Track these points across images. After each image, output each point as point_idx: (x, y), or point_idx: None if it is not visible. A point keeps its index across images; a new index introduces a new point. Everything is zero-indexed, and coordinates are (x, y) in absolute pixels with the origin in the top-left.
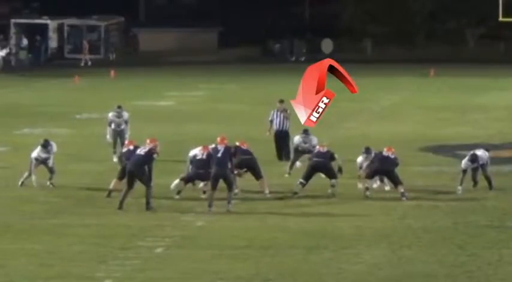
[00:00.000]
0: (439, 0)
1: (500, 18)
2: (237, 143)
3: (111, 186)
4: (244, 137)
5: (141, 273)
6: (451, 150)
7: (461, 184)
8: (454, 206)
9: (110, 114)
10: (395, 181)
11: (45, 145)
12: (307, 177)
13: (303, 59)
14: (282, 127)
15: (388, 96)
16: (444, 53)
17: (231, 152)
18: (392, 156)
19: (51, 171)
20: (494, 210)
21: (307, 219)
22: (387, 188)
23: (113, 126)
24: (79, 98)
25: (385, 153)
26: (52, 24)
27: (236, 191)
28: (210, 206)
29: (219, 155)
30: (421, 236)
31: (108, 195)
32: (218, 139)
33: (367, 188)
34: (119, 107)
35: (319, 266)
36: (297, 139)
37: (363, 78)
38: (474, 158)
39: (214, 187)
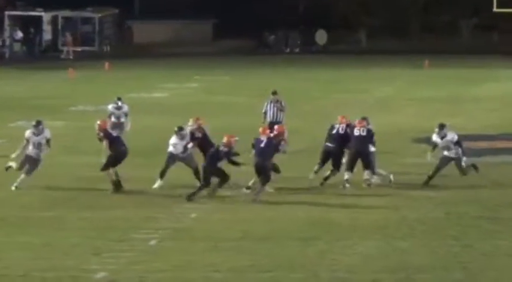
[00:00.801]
0: None
1: (495, 9)
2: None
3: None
4: (240, 128)
5: (136, 266)
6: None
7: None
8: (448, 197)
9: (110, 106)
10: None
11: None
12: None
13: (297, 50)
14: (276, 118)
15: (383, 88)
16: (438, 44)
17: (274, 143)
18: (364, 133)
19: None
20: (489, 201)
21: (302, 210)
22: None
23: (113, 118)
24: (73, 90)
25: (356, 131)
26: (46, 16)
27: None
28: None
29: (262, 145)
30: (415, 227)
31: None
32: (260, 130)
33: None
34: (119, 98)
35: (313, 258)
36: None
37: (358, 70)
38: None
39: (258, 175)
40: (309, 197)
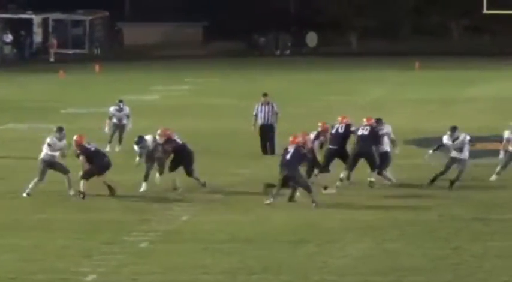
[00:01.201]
0: None
1: (485, 11)
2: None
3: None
4: (230, 130)
5: (126, 268)
6: (436, 143)
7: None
8: (439, 199)
9: (111, 108)
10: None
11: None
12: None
13: (288, 52)
14: (267, 121)
15: (374, 89)
16: (429, 46)
17: (301, 152)
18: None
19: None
20: (479, 203)
21: (292, 212)
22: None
23: (114, 120)
24: (64, 93)
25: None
26: (37, 19)
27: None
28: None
29: (288, 156)
30: (406, 229)
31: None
32: (290, 138)
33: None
34: (120, 101)
35: (304, 260)
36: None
37: (348, 72)
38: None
39: (283, 186)
40: (299, 199)
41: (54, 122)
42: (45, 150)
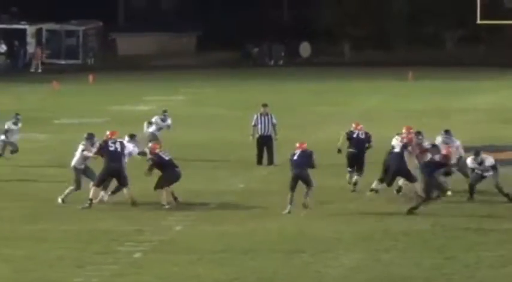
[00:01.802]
0: (417, 3)
1: (478, 21)
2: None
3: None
4: (224, 140)
5: (120, 278)
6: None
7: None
8: (432, 209)
9: (155, 118)
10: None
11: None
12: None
13: (281, 62)
14: (266, 131)
15: (367, 100)
16: (423, 56)
17: (308, 153)
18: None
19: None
20: (473, 213)
21: (286, 223)
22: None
23: (153, 128)
24: (57, 103)
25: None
26: (30, 29)
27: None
28: (290, 203)
29: (295, 157)
30: (400, 239)
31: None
32: (297, 145)
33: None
34: (165, 111)
35: (298, 270)
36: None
37: (342, 82)
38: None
39: (292, 188)
40: (293, 210)
41: (47, 132)
42: (77, 157)
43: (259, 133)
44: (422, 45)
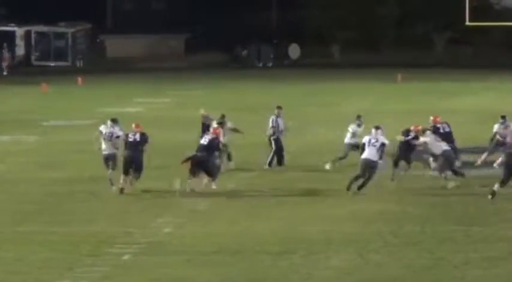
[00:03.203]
0: (406, 5)
1: (467, 23)
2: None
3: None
4: None
5: (109, 280)
6: (418, 155)
7: None
8: (422, 210)
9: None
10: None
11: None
12: None
13: (270, 64)
14: (281, 133)
15: (356, 101)
16: (412, 58)
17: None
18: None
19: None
20: (462, 214)
21: (276, 224)
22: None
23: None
24: (46, 105)
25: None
26: (19, 31)
27: None
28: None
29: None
30: (389, 240)
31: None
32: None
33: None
34: (223, 116)
35: (287, 271)
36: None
37: (331, 83)
38: None
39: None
40: (283, 211)
41: (36, 134)
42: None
43: (278, 135)
44: (411, 47)
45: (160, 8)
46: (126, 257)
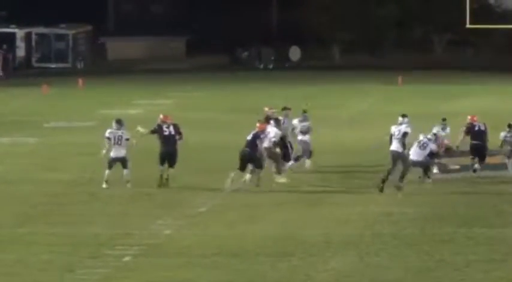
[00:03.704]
0: (406, 7)
1: (468, 25)
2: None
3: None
4: (214, 144)
5: None
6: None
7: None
8: (422, 212)
9: (296, 120)
10: None
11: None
12: None
13: (271, 66)
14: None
15: (357, 104)
16: (412, 60)
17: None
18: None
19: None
20: (463, 216)
21: (275, 226)
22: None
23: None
24: (47, 107)
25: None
26: (20, 33)
27: None
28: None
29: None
30: (389, 242)
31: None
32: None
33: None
34: (305, 111)
35: (287, 273)
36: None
37: (331, 85)
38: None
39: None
40: (282, 213)
41: (37, 136)
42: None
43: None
44: (411, 49)
45: (161, 10)
46: (126, 259)
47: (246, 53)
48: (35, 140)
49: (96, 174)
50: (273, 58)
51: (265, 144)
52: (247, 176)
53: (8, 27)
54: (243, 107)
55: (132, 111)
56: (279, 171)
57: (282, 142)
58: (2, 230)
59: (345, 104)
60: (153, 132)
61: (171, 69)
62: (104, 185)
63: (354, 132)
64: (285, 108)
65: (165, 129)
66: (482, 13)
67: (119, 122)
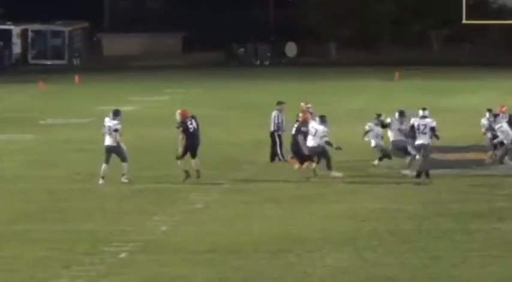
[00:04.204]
0: (403, 3)
1: (464, 21)
2: None
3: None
4: (210, 140)
5: (105, 279)
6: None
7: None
8: (418, 209)
9: (369, 124)
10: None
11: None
12: None
13: (267, 62)
14: (282, 129)
15: (353, 100)
16: (409, 56)
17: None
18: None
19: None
20: (459, 213)
21: (271, 222)
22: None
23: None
24: (43, 104)
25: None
26: (16, 29)
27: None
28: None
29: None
30: (386, 239)
31: None
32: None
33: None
34: (379, 115)
35: (283, 270)
36: None
37: (328, 82)
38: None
39: None
40: (279, 209)
41: (33, 133)
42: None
43: (279, 130)
44: (408, 45)
45: (157, 6)
46: (122, 255)
47: (242, 49)
48: (32, 137)
49: (93, 170)
50: (269, 54)
51: (311, 143)
52: (313, 165)
53: (4, 24)
54: (239, 104)
55: (128, 108)
56: (330, 167)
57: (279, 138)
58: None
59: (341, 100)
60: (180, 129)
61: (167, 65)
62: (100, 181)
63: (350, 128)
64: (279, 103)
65: (189, 125)
66: (479, 9)
67: (114, 113)
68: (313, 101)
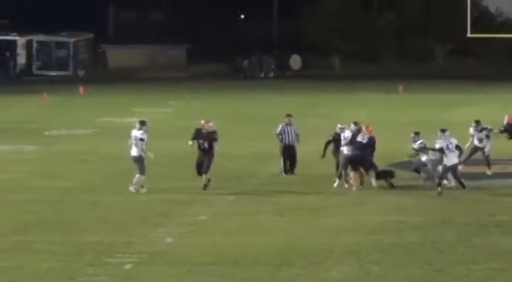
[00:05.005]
0: (406, 16)
1: (469, 35)
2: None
3: None
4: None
5: None
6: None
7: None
8: (422, 221)
9: (471, 128)
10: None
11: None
12: None
13: (271, 75)
14: (291, 141)
15: (357, 113)
16: (412, 69)
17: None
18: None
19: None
20: (463, 225)
21: (275, 235)
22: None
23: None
24: (48, 115)
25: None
26: (21, 40)
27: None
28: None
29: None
30: (390, 251)
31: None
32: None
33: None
34: (477, 121)
35: None
36: None
37: (331, 95)
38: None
39: None
40: (282, 222)
41: (37, 144)
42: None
43: (285, 143)
44: (412, 58)
45: (162, 18)
46: (127, 267)
47: (246, 62)
48: (35, 148)
49: (97, 182)
50: (273, 67)
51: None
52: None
53: (9, 34)
54: (243, 116)
55: (132, 119)
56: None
57: (287, 151)
58: (2, 237)
59: (345, 113)
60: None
61: (171, 77)
62: (143, 190)
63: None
64: (288, 116)
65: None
66: (483, 22)
67: (141, 123)
68: (317, 114)
